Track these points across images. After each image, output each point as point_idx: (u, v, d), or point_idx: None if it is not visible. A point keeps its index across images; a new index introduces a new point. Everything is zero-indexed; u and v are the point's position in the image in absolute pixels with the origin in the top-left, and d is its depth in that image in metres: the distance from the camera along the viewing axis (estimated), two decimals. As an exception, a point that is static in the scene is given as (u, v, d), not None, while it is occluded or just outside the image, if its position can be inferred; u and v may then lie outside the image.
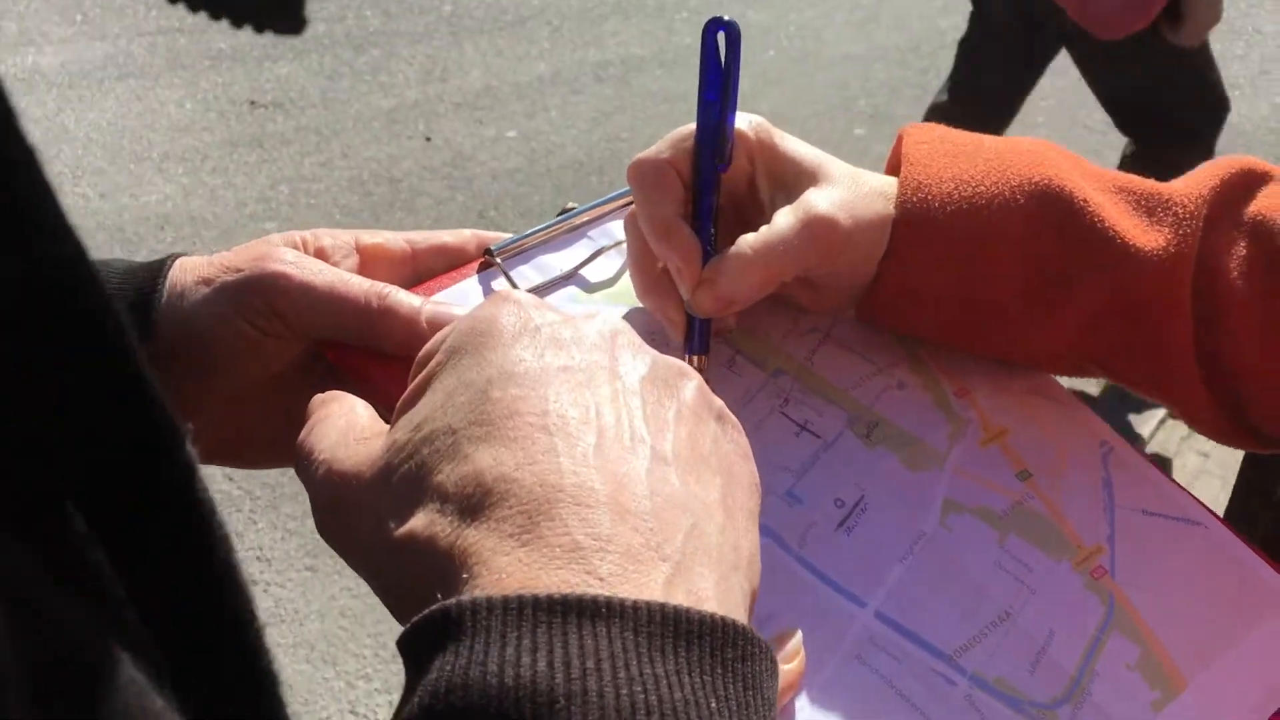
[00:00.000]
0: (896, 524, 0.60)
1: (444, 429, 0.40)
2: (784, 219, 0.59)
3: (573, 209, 0.68)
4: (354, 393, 0.59)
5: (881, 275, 0.62)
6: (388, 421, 0.47)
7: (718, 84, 0.60)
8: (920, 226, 0.61)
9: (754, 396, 0.63)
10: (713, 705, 0.33)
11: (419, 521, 0.38)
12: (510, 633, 0.33)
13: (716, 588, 0.38)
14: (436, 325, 0.58)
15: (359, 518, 0.42)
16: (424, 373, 0.44)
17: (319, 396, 0.49)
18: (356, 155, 4.05)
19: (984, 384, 0.67)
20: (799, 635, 0.53)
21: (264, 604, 2.40)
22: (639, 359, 0.44)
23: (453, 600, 0.34)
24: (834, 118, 4.33)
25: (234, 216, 3.70)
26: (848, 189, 0.61)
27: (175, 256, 0.60)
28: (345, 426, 0.46)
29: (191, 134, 4.12)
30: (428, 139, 4.15)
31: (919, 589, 0.59)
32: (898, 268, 0.62)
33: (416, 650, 0.35)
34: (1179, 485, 0.66)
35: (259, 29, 0.30)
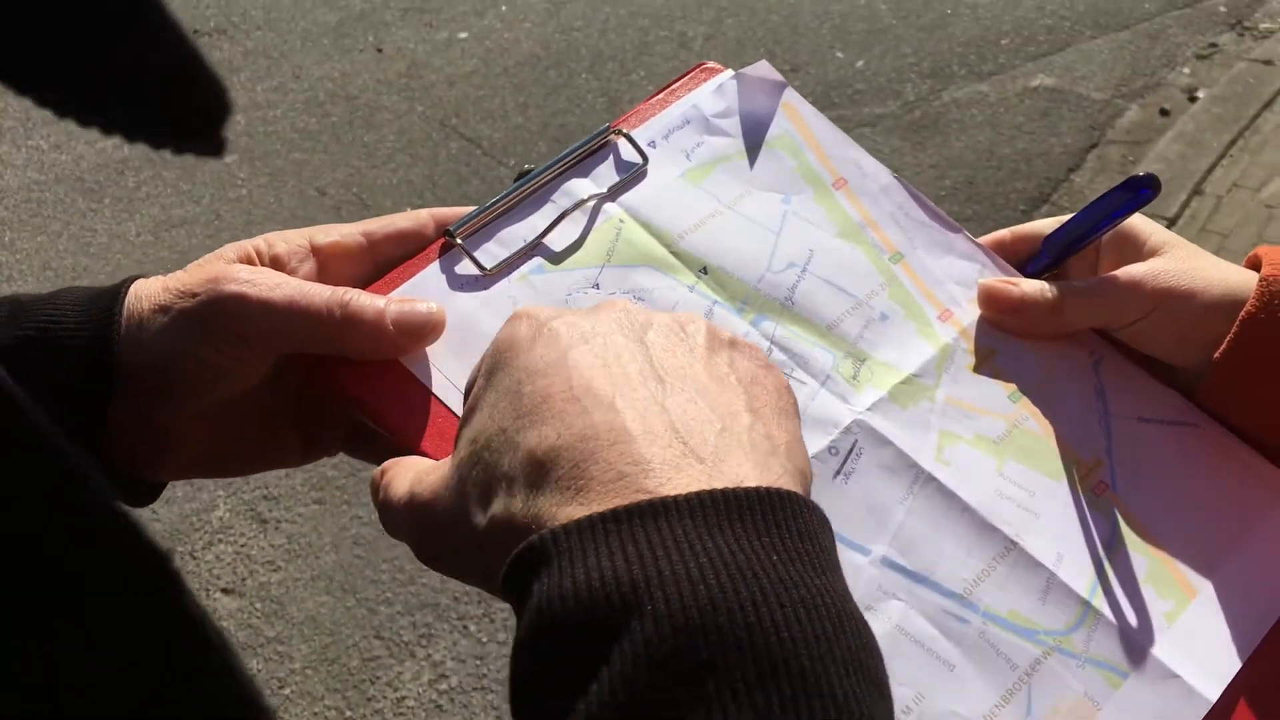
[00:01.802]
0: (893, 465, 0.60)
1: (496, 432, 0.45)
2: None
3: (530, 171, 0.66)
4: (330, 402, 0.59)
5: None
6: (375, 439, 0.53)
7: (1111, 221, 0.65)
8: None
9: None
10: (774, 558, 0.38)
11: (496, 507, 0.43)
12: (588, 546, 0.38)
13: (755, 469, 0.42)
14: (403, 326, 0.57)
15: (450, 532, 0.46)
16: (470, 399, 0.49)
17: (379, 469, 0.53)
18: (309, 75, 3.95)
19: (966, 302, 0.67)
20: None
21: (276, 541, 2.43)
22: (647, 317, 0.49)
23: (535, 536, 0.39)
24: (790, -19, 4.24)
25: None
26: None
27: (130, 281, 0.58)
28: (414, 473, 0.50)
29: (137, 71, 4.01)
30: (379, 50, 4.05)
31: (923, 529, 0.58)
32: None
33: (516, 585, 0.40)
34: (1170, 388, 0.66)
35: (178, 151, 0.29)
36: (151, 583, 0.34)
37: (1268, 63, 3.71)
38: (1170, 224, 3.10)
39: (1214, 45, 3.82)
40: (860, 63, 3.81)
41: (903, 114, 3.58)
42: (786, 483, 0.43)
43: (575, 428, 0.43)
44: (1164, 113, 3.52)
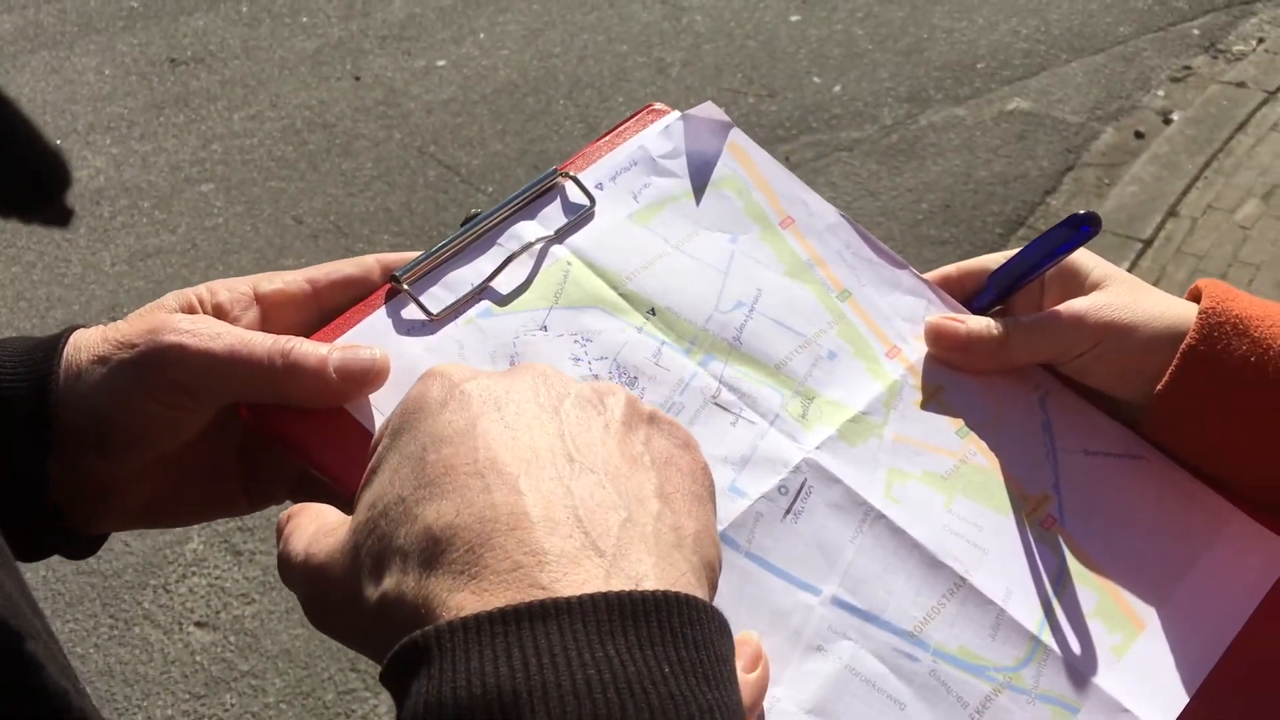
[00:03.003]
0: (842, 503, 0.59)
1: (395, 500, 0.43)
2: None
3: (477, 215, 0.65)
4: (273, 450, 0.58)
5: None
6: (321, 486, 0.52)
7: (1055, 257, 0.66)
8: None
9: (685, 389, 0.61)
10: (665, 670, 0.37)
11: (388, 583, 0.42)
12: (472, 649, 0.36)
13: (656, 567, 0.41)
14: (345, 374, 0.56)
15: (341, 599, 0.45)
16: (373, 458, 0.47)
17: (285, 513, 0.51)
18: (286, 103, 3.95)
19: (913, 338, 0.67)
20: (757, 642, 0.52)
21: (251, 573, 2.41)
22: (564, 386, 0.48)
23: (418, 632, 0.38)
24: (769, 6, 4.25)
25: (169, 182, 3.61)
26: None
27: (70, 331, 0.57)
28: (315, 529, 0.49)
29: (115, 101, 4.01)
30: (357, 78, 4.05)
31: (872, 567, 0.58)
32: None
33: (396, 681, 0.38)
34: (1115, 421, 0.66)
35: (25, 220, 0.28)
36: (6, 666, 0.33)
37: (1240, 85, 3.74)
38: (1145, 246, 3.12)
39: (1188, 68, 3.85)
40: (837, 87, 3.83)
41: (880, 138, 3.60)
42: (689, 581, 0.42)
43: (475, 506, 0.41)
44: (1139, 135, 3.55)
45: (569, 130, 3.73)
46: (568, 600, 0.37)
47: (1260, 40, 3.97)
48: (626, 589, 0.38)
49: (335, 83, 4.04)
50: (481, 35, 4.23)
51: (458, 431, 0.44)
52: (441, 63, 4.11)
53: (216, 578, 2.42)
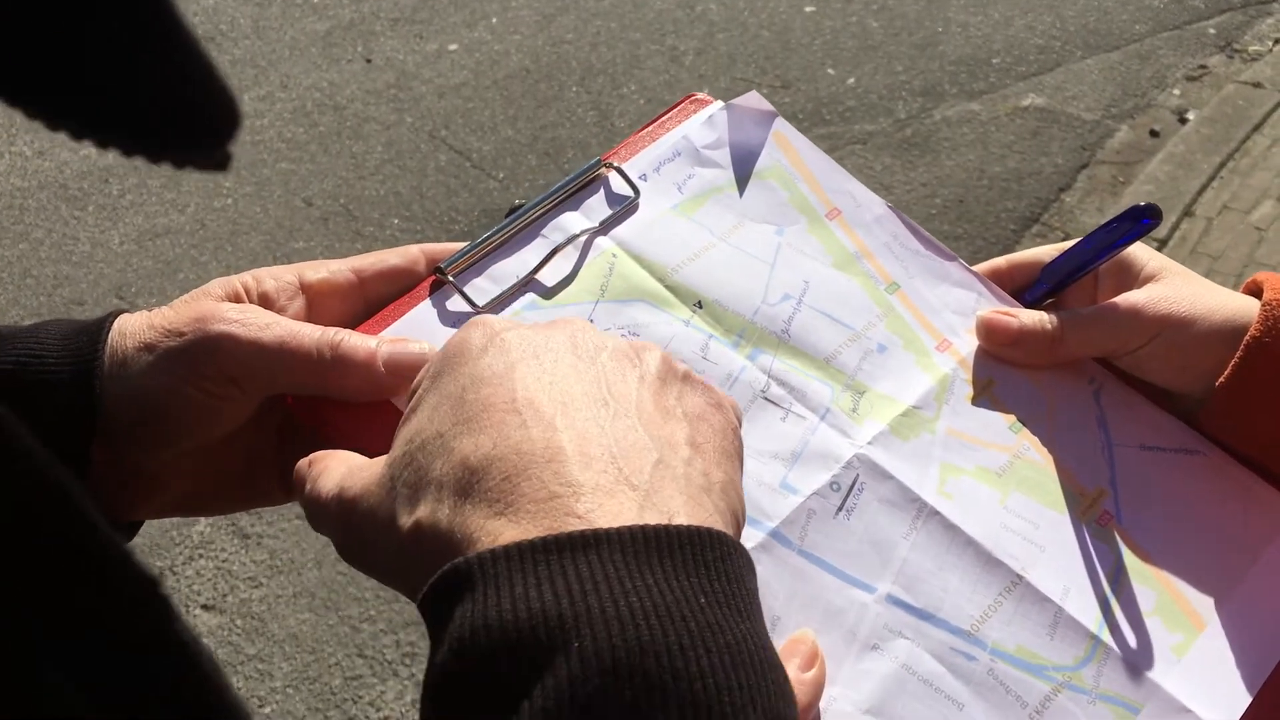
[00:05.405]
0: (895, 499, 0.58)
1: (433, 435, 0.44)
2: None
3: (521, 206, 0.64)
4: (317, 441, 0.57)
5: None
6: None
7: (1112, 250, 0.64)
8: None
9: (734, 384, 0.60)
10: (701, 600, 0.38)
11: (423, 511, 0.42)
12: (516, 576, 0.37)
13: (686, 505, 0.42)
14: (394, 367, 0.55)
15: (374, 531, 0.45)
16: (413, 399, 0.48)
17: (304, 460, 0.51)
18: (297, 85, 3.93)
19: (964, 331, 0.65)
20: (813, 640, 0.52)
21: (258, 557, 2.40)
22: (601, 340, 0.48)
23: (461, 559, 0.39)
24: (782, -3, 4.24)
25: (179, 162, 3.59)
26: None
27: (113, 316, 0.56)
28: (347, 468, 0.49)
29: (124, 79, 3.99)
30: (368, 60, 4.03)
31: (927, 565, 0.57)
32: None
33: (436, 607, 0.39)
34: (1170, 415, 0.65)
35: (178, 165, 0.28)
36: (144, 610, 0.33)
37: (1257, 85, 3.72)
38: (1161, 246, 3.11)
39: (1203, 67, 3.83)
40: (851, 80, 3.81)
41: (894, 132, 3.58)
42: (717, 522, 0.42)
43: (512, 440, 0.42)
44: (1154, 134, 3.53)
45: (581, 117, 3.72)
46: (606, 531, 0.38)
47: (1277, 40, 3.95)
48: (660, 522, 0.39)
49: (346, 65, 4.02)
50: (494, 20, 4.21)
51: (496, 374, 0.45)
52: (453, 47, 4.08)
53: (224, 560, 2.41)
